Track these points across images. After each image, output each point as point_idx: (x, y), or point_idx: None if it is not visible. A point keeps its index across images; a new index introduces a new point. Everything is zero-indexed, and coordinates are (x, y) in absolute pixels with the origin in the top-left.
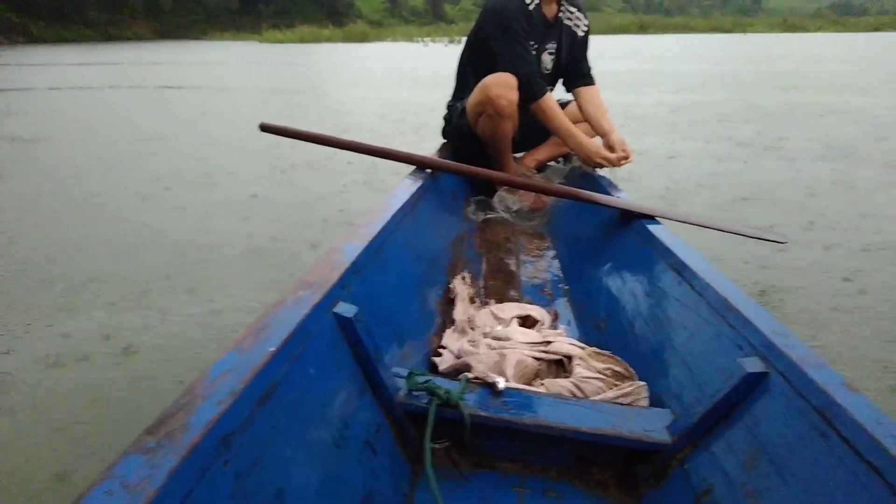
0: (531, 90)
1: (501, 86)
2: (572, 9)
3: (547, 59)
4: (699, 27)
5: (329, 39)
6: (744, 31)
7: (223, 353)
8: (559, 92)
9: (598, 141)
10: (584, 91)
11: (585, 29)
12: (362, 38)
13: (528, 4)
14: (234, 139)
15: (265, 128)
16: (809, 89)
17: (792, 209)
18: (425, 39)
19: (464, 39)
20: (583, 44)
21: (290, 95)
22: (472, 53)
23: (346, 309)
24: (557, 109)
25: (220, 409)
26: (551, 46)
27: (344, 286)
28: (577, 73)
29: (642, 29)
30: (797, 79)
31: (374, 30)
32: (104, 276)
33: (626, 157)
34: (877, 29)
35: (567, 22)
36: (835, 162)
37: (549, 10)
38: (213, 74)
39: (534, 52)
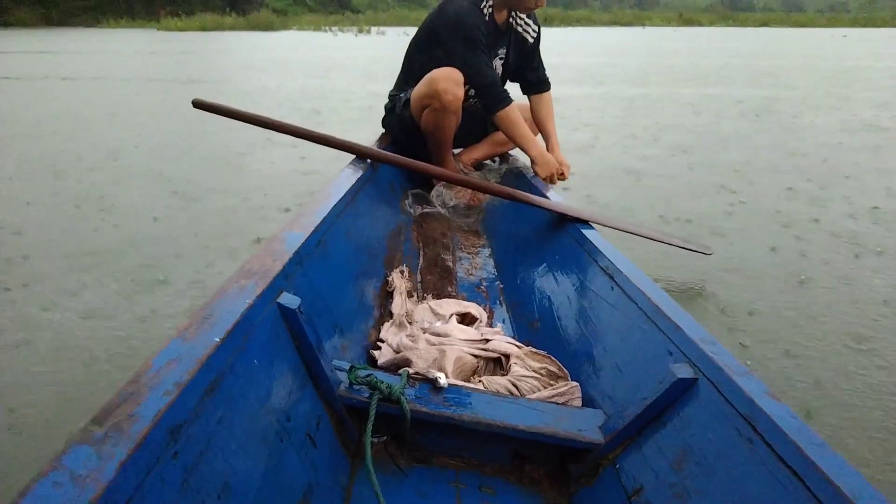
0: (496, 99)
1: (449, 80)
2: (522, 15)
3: (497, 64)
4: (601, 20)
5: (232, 28)
6: (643, 24)
7: (167, 342)
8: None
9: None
10: (539, 98)
11: (535, 35)
12: (268, 27)
13: (484, 14)
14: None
15: (199, 104)
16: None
17: None
18: (333, 29)
19: (372, 30)
20: (533, 50)
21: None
22: (421, 50)
23: (289, 300)
24: (520, 119)
25: (168, 400)
26: (501, 52)
27: (286, 276)
28: (532, 79)
29: (546, 21)
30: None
31: (280, 18)
32: None
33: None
34: (764, 24)
35: (517, 28)
36: None
37: (500, 17)
38: (117, 64)
39: None
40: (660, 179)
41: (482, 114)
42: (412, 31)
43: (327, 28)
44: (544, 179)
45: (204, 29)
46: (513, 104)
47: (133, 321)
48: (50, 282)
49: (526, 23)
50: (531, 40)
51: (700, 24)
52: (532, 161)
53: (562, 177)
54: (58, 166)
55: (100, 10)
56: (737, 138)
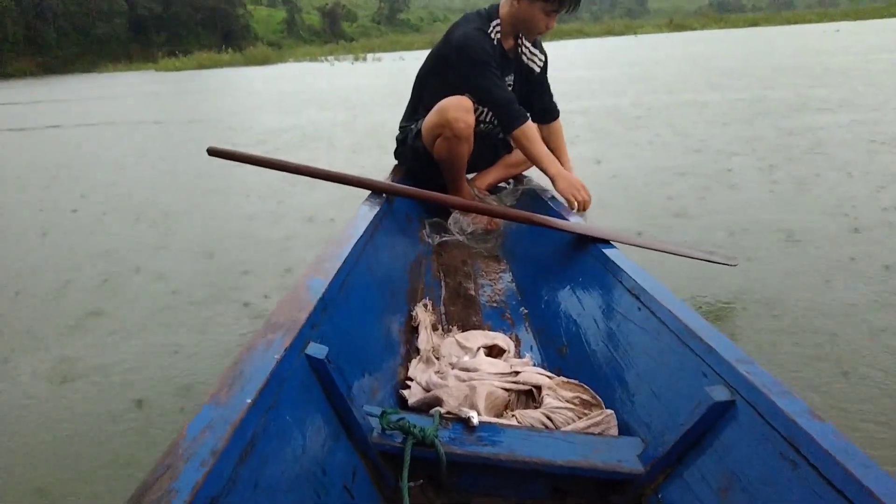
0: (513, 117)
1: (459, 109)
2: (527, 43)
3: None
4: (592, 31)
5: (230, 64)
6: (634, 32)
7: (199, 408)
8: None
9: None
10: (548, 127)
11: (541, 65)
12: (264, 61)
13: (492, 39)
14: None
15: (213, 152)
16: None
17: None
18: (329, 58)
19: (368, 57)
20: (540, 79)
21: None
22: (429, 80)
23: (317, 350)
24: (537, 137)
25: (204, 471)
26: (510, 79)
27: (313, 325)
28: (542, 108)
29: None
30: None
31: (275, 51)
32: None
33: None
34: (754, 24)
35: (523, 56)
36: None
37: (508, 44)
38: (121, 107)
39: None
40: None
41: (494, 138)
42: (407, 56)
43: (323, 58)
44: (568, 199)
45: (202, 67)
46: (529, 121)
47: None
48: None
49: (532, 52)
50: (537, 70)
51: (692, 29)
52: (552, 179)
53: (583, 204)
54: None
55: (97, 54)
56: None
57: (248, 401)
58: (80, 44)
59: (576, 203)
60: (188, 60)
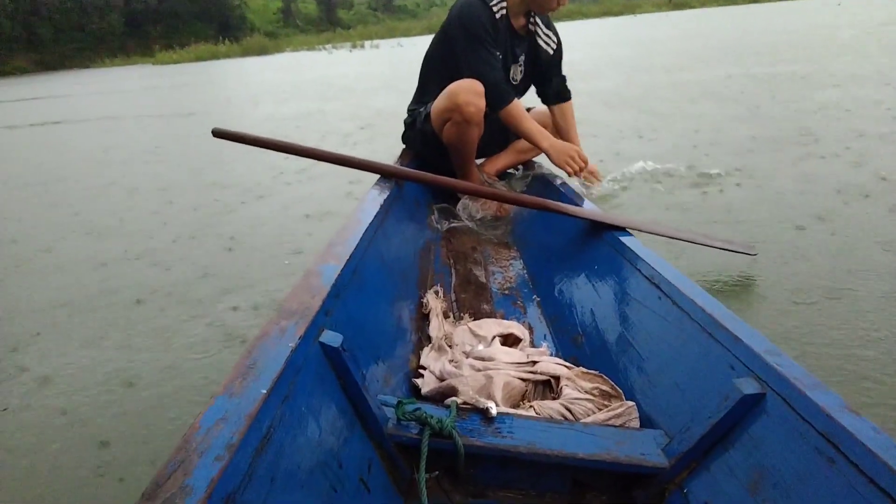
0: (498, 97)
1: (470, 92)
2: (541, 24)
3: (516, 71)
4: (591, 12)
5: (227, 55)
6: (633, 12)
7: (213, 399)
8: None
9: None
10: (560, 108)
11: (555, 47)
12: (262, 51)
13: (496, 13)
14: None
15: (219, 133)
16: None
17: None
18: (327, 47)
19: (366, 44)
20: (553, 62)
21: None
22: (438, 58)
23: (331, 338)
24: (525, 114)
25: (221, 466)
26: (521, 59)
27: (326, 312)
28: (552, 89)
29: None
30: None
31: (272, 41)
32: None
33: (589, 171)
34: (756, 0)
35: (538, 39)
36: None
37: (518, 22)
38: (121, 102)
39: (502, 62)
40: None
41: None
42: (405, 42)
43: (321, 46)
44: (565, 169)
45: (199, 59)
46: (516, 100)
47: None
48: None
49: (547, 34)
50: (551, 52)
51: (691, 7)
52: (547, 153)
53: (591, 175)
54: None
55: (94, 50)
56: None
57: (264, 391)
58: (76, 40)
59: (571, 171)
60: (185, 53)
